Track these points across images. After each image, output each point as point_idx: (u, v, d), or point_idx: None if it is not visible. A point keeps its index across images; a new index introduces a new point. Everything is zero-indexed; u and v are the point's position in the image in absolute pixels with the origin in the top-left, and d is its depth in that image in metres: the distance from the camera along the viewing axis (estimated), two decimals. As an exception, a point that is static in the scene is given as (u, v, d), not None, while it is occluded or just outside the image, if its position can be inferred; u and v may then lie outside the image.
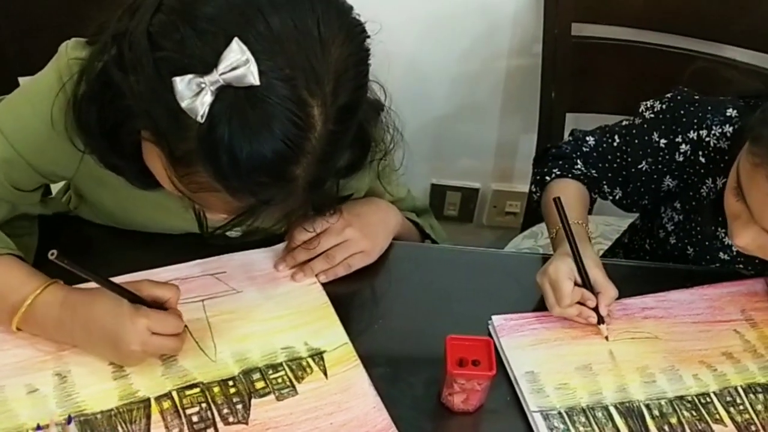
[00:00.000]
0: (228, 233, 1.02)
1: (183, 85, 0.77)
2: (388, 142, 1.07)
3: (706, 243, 1.26)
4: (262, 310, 1.11)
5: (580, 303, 1.11)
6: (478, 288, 1.21)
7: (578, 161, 1.31)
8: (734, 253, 1.25)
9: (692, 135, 1.21)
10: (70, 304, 1.00)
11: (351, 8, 0.87)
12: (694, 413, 1.06)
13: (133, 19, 0.85)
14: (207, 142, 0.79)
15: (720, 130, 1.19)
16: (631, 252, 1.45)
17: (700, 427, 1.05)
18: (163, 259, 1.14)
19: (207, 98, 0.77)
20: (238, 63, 0.77)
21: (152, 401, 0.99)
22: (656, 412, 1.05)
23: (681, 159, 1.24)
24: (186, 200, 0.88)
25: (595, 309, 1.11)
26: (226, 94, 0.78)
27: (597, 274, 1.12)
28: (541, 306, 1.15)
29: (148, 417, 0.97)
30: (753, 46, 1.54)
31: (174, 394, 1.00)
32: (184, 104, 0.78)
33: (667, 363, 1.11)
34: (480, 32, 1.71)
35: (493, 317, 1.14)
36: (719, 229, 1.24)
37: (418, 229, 1.33)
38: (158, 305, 1.00)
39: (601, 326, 1.12)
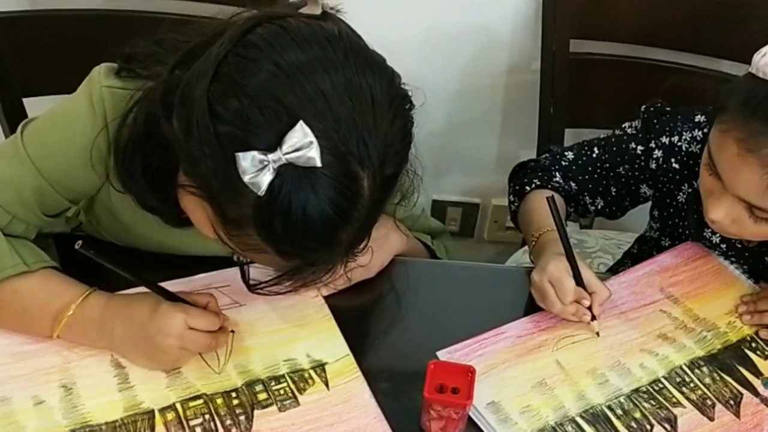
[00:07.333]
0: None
1: (247, 161, 0.80)
2: (407, 186, 1.06)
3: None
4: (265, 322, 1.13)
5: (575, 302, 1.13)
6: (480, 303, 1.21)
7: (557, 174, 1.33)
8: (724, 249, 1.26)
9: (664, 140, 1.26)
10: (112, 306, 1.03)
11: (399, 78, 0.91)
12: (653, 402, 1.07)
13: (182, 68, 0.88)
14: (263, 211, 0.82)
15: (690, 135, 1.24)
16: (641, 261, 1.45)
17: (663, 415, 1.06)
18: (168, 274, 1.14)
19: (268, 175, 0.80)
20: (302, 145, 0.80)
21: (156, 413, 1.00)
22: (619, 411, 1.06)
23: (654, 166, 1.28)
24: (228, 247, 0.91)
25: (588, 308, 1.13)
26: (286, 170, 0.80)
27: (589, 275, 1.14)
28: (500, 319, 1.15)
29: (153, 428, 0.98)
30: (749, 61, 1.55)
31: (178, 405, 1.01)
32: (246, 179, 0.80)
33: (612, 359, 1.12)
34: (479, 49, 1.73)
35: (438, 353, 1.11)
36: (705, 229, 1.26)
37: (429, 251, 1.34)
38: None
39: (593, 323, 1.14)
